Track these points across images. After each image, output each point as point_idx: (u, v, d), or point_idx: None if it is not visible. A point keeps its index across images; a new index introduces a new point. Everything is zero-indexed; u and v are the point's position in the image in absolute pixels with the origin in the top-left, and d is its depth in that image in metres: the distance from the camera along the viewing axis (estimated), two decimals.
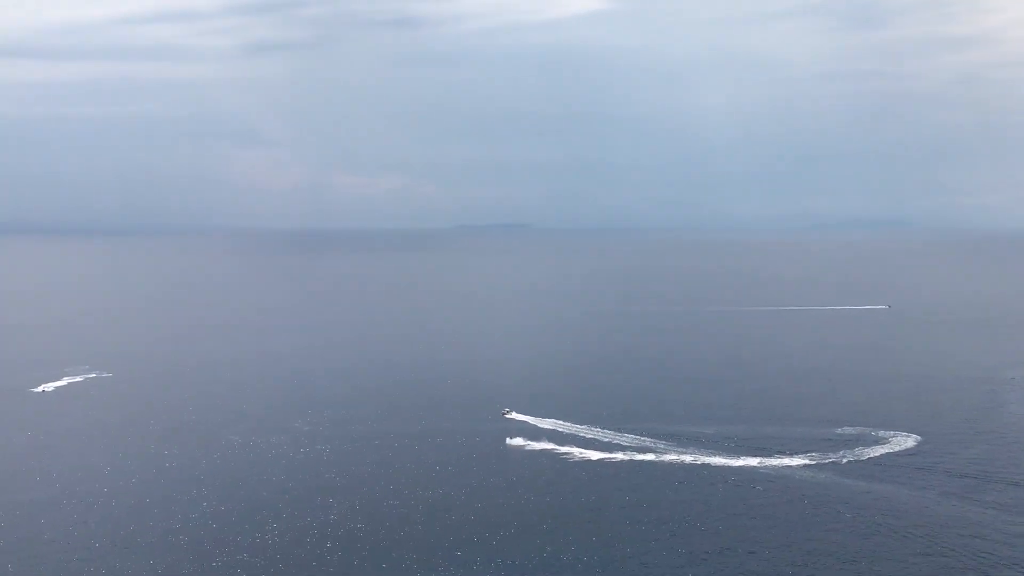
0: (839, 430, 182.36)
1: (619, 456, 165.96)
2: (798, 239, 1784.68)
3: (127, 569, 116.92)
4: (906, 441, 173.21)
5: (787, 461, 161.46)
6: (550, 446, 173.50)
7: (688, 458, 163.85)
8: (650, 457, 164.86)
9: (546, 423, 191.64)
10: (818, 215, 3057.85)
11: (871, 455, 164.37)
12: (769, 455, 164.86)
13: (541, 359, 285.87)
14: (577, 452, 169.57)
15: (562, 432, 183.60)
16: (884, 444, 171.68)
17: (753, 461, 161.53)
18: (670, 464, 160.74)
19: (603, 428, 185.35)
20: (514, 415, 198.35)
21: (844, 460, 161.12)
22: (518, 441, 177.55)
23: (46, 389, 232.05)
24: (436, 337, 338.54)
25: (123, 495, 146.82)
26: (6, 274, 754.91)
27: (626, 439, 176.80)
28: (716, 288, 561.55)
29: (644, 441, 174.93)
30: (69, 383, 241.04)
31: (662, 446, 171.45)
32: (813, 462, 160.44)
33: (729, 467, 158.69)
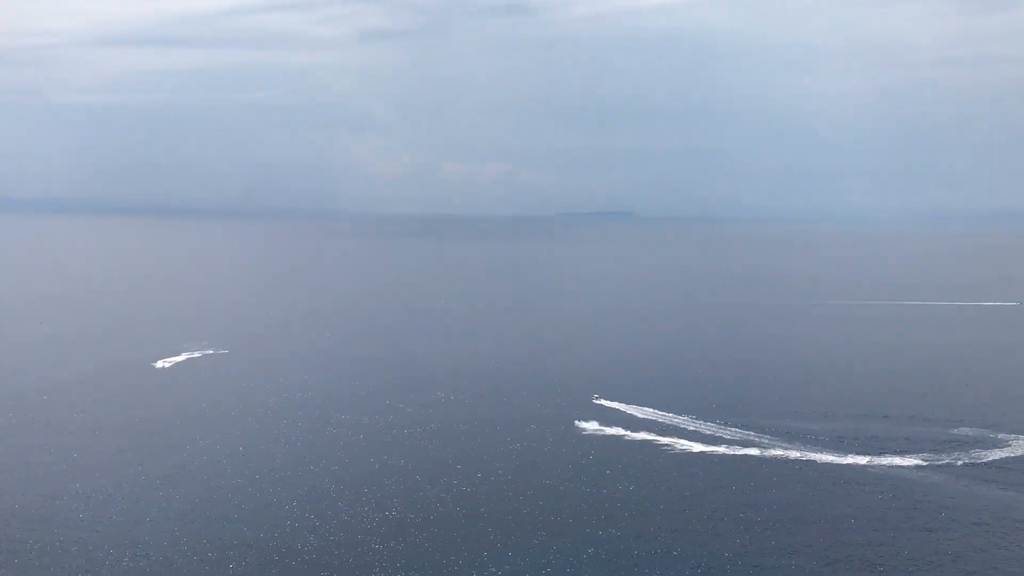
0: (956, 430, 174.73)
1: (721, 449, 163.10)
2: (919, 231, 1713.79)
3: (252, 537, 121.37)
4: None
5: (898, 461, 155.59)
6: (646, 436, 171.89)
7: (794, 454, 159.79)
8: (753, 452, 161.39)
9: (639, 411, 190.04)
10: (941, 207, 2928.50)
11: (990, 458, 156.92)
12: (879, 454, 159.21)
13: (638, 348, 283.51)
14: (674, 443, 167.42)
15: (658, 422, 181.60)
16: (1005, 447, 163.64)
17: (862, 460, 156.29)
18: (774, 460, 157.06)
19: (704, 420, 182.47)
20: (604, 402, 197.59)
21: (960, 462, 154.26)
22: (608, 429, 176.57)
23: (165, 364, 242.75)
24: (537, 323, 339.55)
25: (241, 468, 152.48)
26: (132, 254, 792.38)
27: (728, 432, 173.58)
28: (827, 281, 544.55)
29: (748, 435, 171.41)
30: (187, 358, 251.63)
31: (766, 440, 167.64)
32: (926, 463, 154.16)
33: (836, 465, 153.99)
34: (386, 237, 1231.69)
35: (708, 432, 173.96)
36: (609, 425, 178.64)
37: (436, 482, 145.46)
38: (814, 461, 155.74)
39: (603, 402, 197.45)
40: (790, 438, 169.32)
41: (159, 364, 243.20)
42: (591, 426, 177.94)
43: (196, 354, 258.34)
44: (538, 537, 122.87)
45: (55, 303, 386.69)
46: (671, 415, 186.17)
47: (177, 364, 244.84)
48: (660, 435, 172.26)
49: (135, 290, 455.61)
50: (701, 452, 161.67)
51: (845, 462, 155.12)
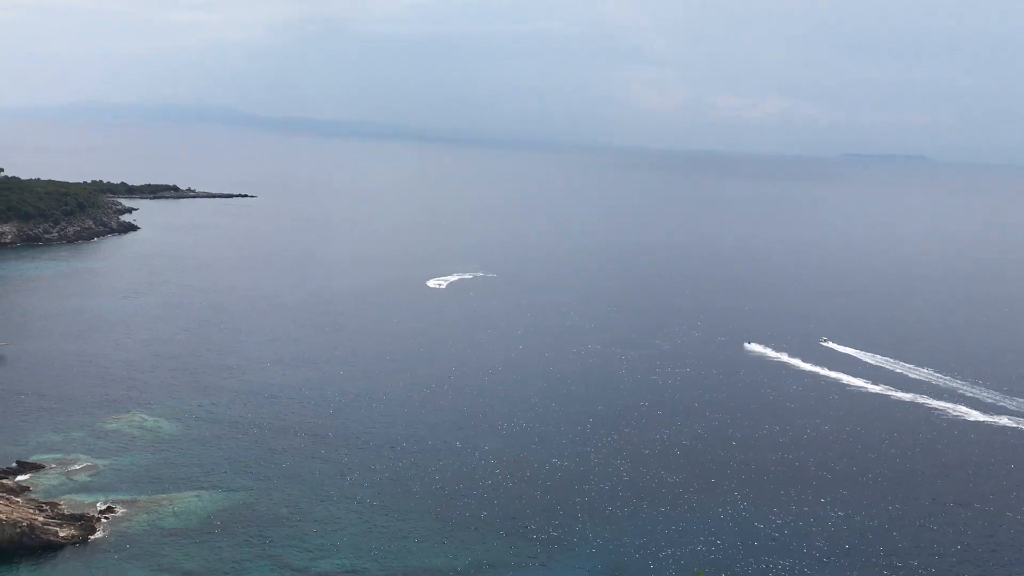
0: None
1: (1003, 421, 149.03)
2: None
3: (507, 452, 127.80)
4: None
5: None
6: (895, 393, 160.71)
7: None
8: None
9: (873, 359, 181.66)
10: None
11: None
12: None
13: (905, 300, 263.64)
14: (951, 408, 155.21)
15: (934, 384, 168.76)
16: None
17: None
18: None
19: (976, 385, 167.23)
20: (831, 344, 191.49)
21: None
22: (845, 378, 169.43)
23: (438, 284, 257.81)
24: (805, 268, 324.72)
25: (498, 384, 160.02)
26: (413, 177, 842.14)
27: (1015, 403, 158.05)
28: None
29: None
30: (459, 279, 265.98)
31: None
32: None
33: None
34: (657, 171, 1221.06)
35: (987, 400, 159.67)
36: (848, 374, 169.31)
37: (703, 420, 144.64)
38: None
39: (830, 344, 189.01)
40: None
41: (432, 283, 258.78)
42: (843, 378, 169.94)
43: (467, 275, 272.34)
44: (764, 483, 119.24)
45: (347, 222, 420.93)
46: (940, 376, 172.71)
47: (450, 283, 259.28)
48: (937, 398, 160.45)
49: (414, 212, 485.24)
50: (978, 421, 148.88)
51: None
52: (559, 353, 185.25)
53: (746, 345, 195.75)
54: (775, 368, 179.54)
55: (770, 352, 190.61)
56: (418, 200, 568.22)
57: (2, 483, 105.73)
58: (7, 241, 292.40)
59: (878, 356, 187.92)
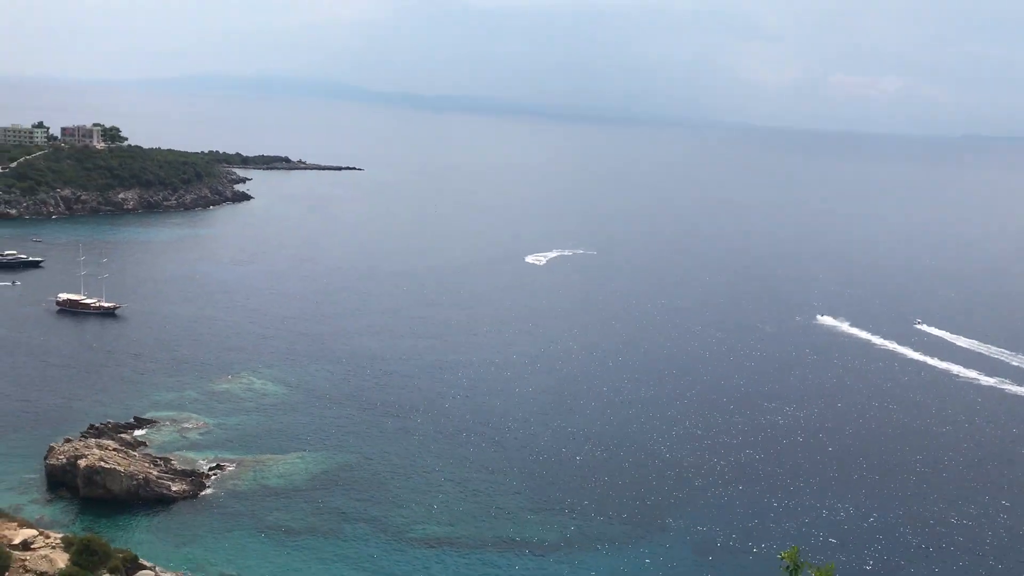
0: None
1: None
2: None
3: (592, 427, 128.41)
4: None
5: None
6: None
7: None
8: None
9: (970, 344, 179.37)
10: None
11: None
12: None
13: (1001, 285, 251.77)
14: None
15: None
16: None
17: None
18: None
19: None
20: (924, 327, 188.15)
21: None
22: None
23: (537, 260, 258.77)
24: (918, 248, 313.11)
25: (591, 358, 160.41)
26: (517, 154, 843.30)
27: None
28: None
29: None
30: (558, 255, 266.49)
31: None
32: None
33: None
34: (768, 151, 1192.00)
35: None
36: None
37: (799, 405, 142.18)
38: None
39: (924, 327, 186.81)
40: None
41: (530, 259, 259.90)
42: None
43: (566, 252, 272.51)
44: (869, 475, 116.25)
45: (451, 195, 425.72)
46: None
47: (549, 260, 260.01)
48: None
49: (517, 187, 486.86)
50: None
51: None
52: (655, 333, 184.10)
53: (845, 328, 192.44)
54: (874, 352, 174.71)
55: (865, 334, 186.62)
56: (521, 175, 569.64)
57: (120, 437, 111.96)
58: (129, 207, 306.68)
59: (978, 342, 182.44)
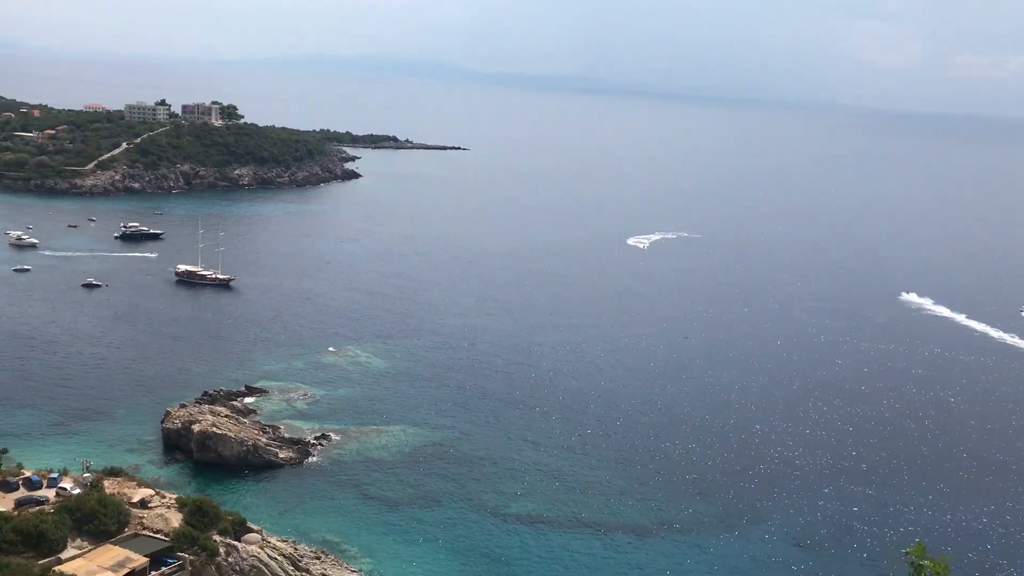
0: None
1: None
2: None
3: (694, 414, 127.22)
4: None
5: None
6: None
7: None
8: None
9: None
10: None
11: None
12: None
13: None
14: None
15: None
16: None
17: None
18: None
19: None
20: None
21: None
22: None
23: (639, 243, 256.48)
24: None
25: (691, 344, 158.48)
26: (621, 135, 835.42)
27: None
28: None
29: None
30: (661, 238, 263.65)
31: None
32: None
33: None
34: (888, 135, 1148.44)
35: None
36: None
37: (903, 397, 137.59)
38: None
39: None
40: None
41: (632, 240, 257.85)
42: None
43: (669, 235, 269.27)
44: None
45: (554, 176, 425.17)
46: None
47: (652, 242, 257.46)
48: None
49: (620, 168, 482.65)
50: None
51: None
52: (757, 319, 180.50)
53: (960, 320, 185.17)
54: (991, 346, 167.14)
55: (982, 326, 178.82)
56: (626, 156, 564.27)
57: (232, 404, 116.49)
58: (244, 183, 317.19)
59: None
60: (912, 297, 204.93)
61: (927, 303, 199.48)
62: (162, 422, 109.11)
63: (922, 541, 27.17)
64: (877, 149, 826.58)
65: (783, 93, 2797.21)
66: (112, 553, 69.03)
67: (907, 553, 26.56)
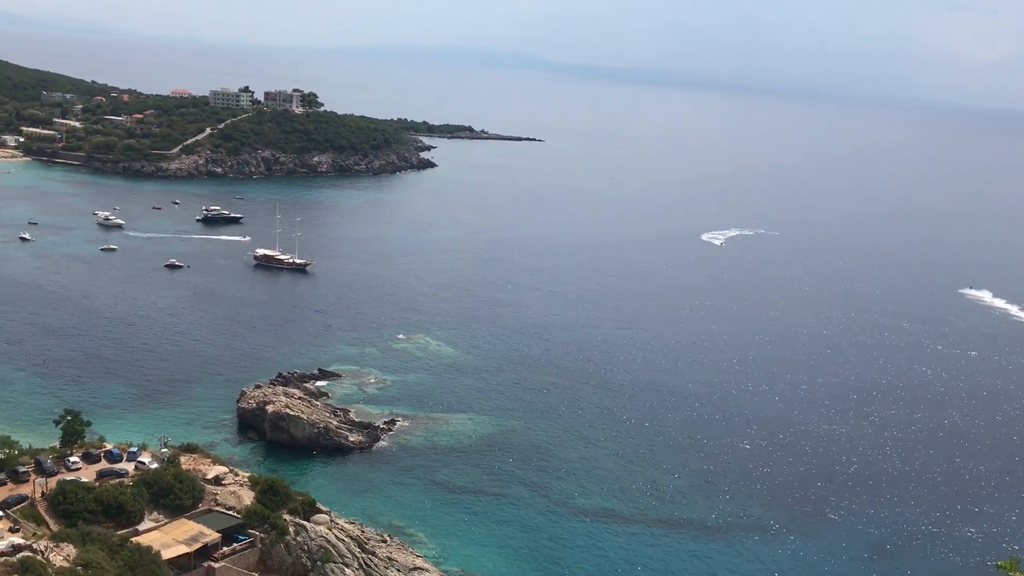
0: None
1: None
2: None
3: (761, 411, 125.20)
4: None
5: None
6: None
7: None
8: None
9: None
10: None
11: None
12: None
13: None
14: None
15: None
16: None
17: None
18: None
19: None
20: None
21: None
22: None
23: (714, 239, 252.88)
24: None
25: (765, 343, 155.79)
26: (699, 129, 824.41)
27: None
28: None
29: None
30: (737, 234, 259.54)
31: None
32: None
33: None
34: (964, 133, 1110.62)
35: None
36: None
37: (982, 406, 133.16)
38: None
39: None
40: None
41: (706, 236, 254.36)
42: None
43: (747, 232, 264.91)
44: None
45: (628, 170, 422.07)
46: None
47: (727, 238, 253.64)
48: None
49: (697, 164, 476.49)
50: None
51: None
52: (832, 320, 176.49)
53: None
54: None
55: None
56: (705, 151, 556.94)
57: (305, 387, 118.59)
58: (323, 170, 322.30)
59: None
60: (1000, 303, 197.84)
61: (1014, 309, 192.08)
62: (237, 401, 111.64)
63: (1015, 555, 26.11)
64: (967, 148, 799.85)
65: (872, 90, 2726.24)
66: (186, 527, 70.92)
67: (1000, 567, 25.52)
